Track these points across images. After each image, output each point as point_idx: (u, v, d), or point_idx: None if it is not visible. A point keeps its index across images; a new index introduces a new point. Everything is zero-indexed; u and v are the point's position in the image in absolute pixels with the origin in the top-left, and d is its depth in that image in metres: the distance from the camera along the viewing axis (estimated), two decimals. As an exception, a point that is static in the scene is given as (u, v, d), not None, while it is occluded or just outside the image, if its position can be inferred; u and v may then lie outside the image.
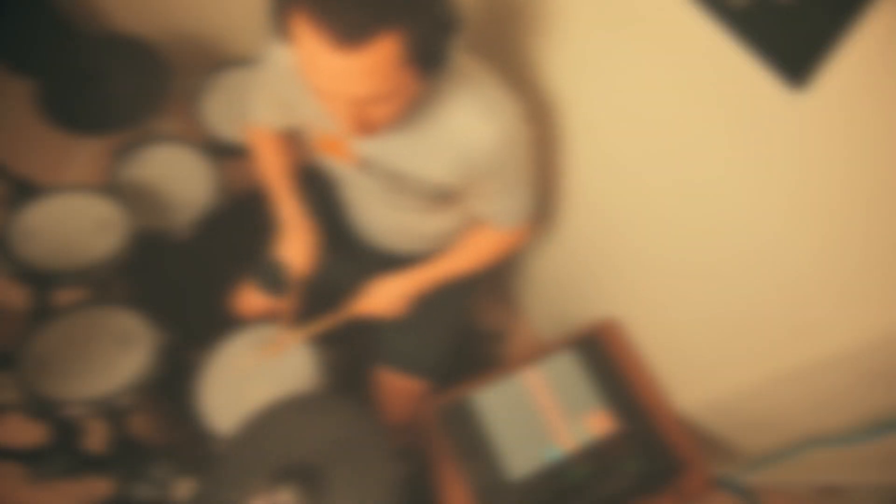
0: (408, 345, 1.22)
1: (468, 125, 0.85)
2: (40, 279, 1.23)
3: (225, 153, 1.47)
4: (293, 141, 1.17)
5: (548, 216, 1.39)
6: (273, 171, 1.17)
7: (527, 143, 0.93)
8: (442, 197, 0.98)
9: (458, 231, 1.17)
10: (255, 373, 1.16)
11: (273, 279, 1.25)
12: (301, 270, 1.16)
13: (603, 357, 1.16)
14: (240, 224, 1.49)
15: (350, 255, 1.28)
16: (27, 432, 1.15)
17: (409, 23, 0.67)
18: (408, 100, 0.79)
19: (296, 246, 1.15)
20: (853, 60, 0.62)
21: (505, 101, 0.87)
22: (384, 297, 1.13)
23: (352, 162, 0.99)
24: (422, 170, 0.93)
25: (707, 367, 1.05)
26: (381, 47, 0.66)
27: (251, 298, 1.29)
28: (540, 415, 1.09)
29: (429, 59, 0.73)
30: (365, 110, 0.75)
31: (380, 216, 1.13)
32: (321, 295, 1.21)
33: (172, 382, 1.17)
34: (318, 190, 1.27)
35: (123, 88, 1.50)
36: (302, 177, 1.20)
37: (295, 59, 0.74)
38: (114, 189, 1.36)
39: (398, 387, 1.22)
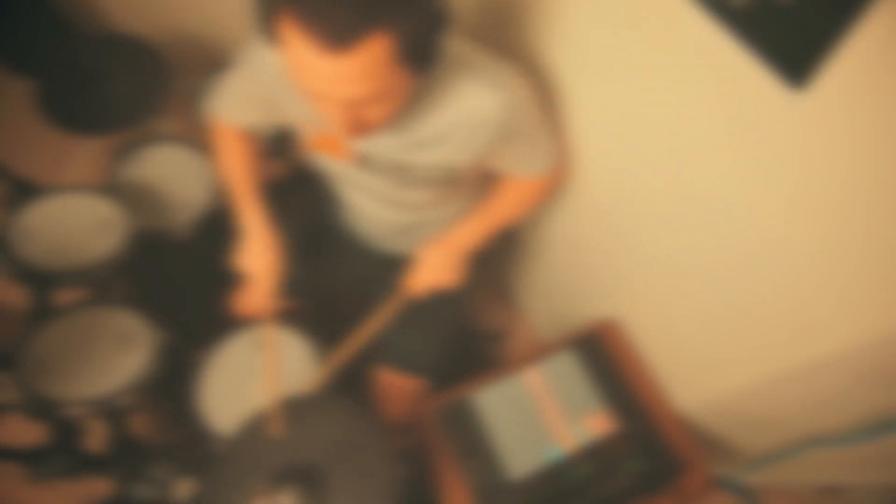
0: (406, 344, 1.22)
1: (474, 102, 0.85)
2: (40, 279, 1.23)
3: (225, 153, 1.47)
4: (259, 146, 1.14)
5: (548, 215, 1.39)
6: (237, 175, 1.13)
7: (531, 98, 0.94)
8: (450, 181, 0.97)
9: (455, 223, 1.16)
10: (255, 373, 1.15)
11: None
12: (261, 281, 1.11)
13: (603, 357, 1.16)
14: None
15: (346, 259, 1.27)
16: (27, 432, 1.14)
17: (399, 21, 0.66)
18: (402, 99, 0.78)
19: (254, 256, 1.10)
20: (853, 60, 0.62)
21: (502, 70, 0.88)
22: (439, 266, 1.08)
23: (350, 160, 0.98)
24: (430, 156, 0.92)
25: (707, 367, 1.05)
26: (371, 47, 0.65)
27: (248, 300, 1.29)
28: (540, 415, 1.09)
29: (420, 56, 0.73)
30: (359, 112, 0.74)
31: (379, 213, 1.12)
32: (320, 300, 1.20)
33: (172, 382, 1.17)
34: (311, 192, 1.26)
35: (123, 88, 1.50)
36: (292, 178, 1.19)
37: (283, 61, 0.73)
38: (114, 189, 1.36)
39: (397, 386, 1.22)
